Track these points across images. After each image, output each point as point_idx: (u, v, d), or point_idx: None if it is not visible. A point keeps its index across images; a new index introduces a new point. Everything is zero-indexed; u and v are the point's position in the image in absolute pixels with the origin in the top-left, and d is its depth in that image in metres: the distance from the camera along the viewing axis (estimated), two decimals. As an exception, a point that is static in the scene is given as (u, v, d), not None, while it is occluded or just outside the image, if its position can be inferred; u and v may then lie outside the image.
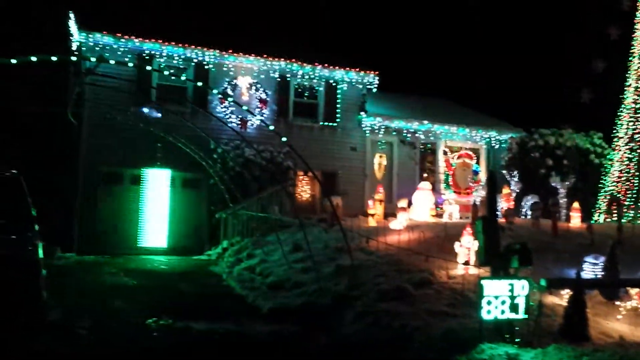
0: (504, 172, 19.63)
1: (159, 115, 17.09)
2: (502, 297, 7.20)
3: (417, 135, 21.13)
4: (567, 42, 25.22)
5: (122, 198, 17.76)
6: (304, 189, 19.80)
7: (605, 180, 18.29)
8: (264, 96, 19.26)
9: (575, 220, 14.86)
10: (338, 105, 20.32)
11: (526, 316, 7.29)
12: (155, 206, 18.00)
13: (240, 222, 16.68)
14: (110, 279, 12.75)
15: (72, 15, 16.86)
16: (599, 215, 17.76)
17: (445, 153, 21.28)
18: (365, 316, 8.51)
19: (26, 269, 7.09)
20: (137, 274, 13.48)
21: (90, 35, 17.32)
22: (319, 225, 14.96)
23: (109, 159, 17.24)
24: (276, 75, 19.62)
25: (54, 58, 9.17)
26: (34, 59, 8.61)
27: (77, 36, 17.26)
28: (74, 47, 17.72)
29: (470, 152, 21.42)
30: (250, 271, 13.16)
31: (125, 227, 17.59)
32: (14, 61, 8.48)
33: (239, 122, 18.67)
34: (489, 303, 7.16)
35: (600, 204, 17.93)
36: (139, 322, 8.85)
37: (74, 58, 16.56)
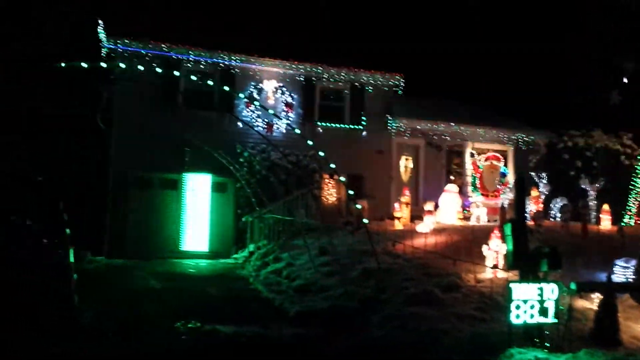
0: (532, 174, 19.40)
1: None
2: (531, 301, 7.12)
3: (443, 137, 20.99)
4: (595, 42, 24.80)
5: (150, 202, 17.95)
6: (330, 192, 19.77)
7: (635, 181, 17.96)
8: (289, 100, 19.33)
9: (606, 223, 14.65)
10: (364, 108, 20.30)
11: (556, 320, 7.20)
12: (183, 210, 18.17)
13: (267, 226, 16.75)
14: (140, 283, 12.91)
15: (101, 23, 17.16)
16: (629, 218, 17.45)
17: (472, 155, 21.08)
18: (392, 320, 8.48)
19: (58, 274, 7.20)
20: (165, 277, 13.63)
21: (119, 42, 17.60)
22: (345, 228, 14.97)
23: (137, 163, 17.46)
24: (302, 78, 19.68)
25: (84, 65, 9.34)
26: (62, 65, 8.78)
27: (106, 43, 17.55)
28: (103, 53, 18.01)
29: (498, 154, 21.21)
30: (276, 274, 13.21)
31: (154, 231, 17.76)
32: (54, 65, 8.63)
33: (265, 126, 18.77)
34: (517, 307, 7.09)
35: (631, 206, 17.61)
36: (168, 325, 8.94)
37: (103, 64, 16.83)
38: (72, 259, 7.45)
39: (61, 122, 17.55)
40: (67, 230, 7.61)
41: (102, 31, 17.23)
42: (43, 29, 21.69)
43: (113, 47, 17.61)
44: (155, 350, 7.76)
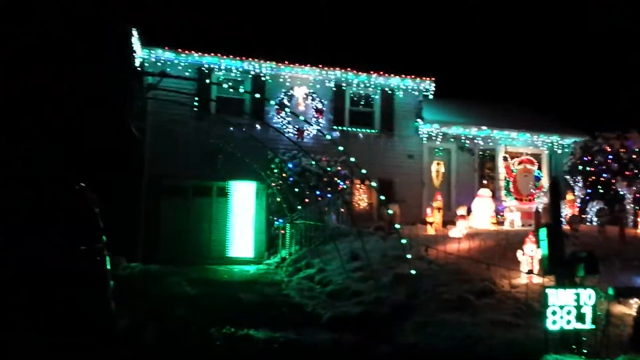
0: (568, 177, 19.10)
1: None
2: (567, 307, 7.01)
3: (475, 141, 20.80)
4: (630, 43, 24.35)
5: (183, 208, 18.19)
6: (361, 198, 19.77)
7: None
8: (319, 105, 19.40)
9: (644, 227, 14.31)
10: (394, 113, 20.24)
11: (593, 326, 7.07)
12: (216, 216, 18.37)
13: (298, 231, 16.81)
14: (174, 289, 13.07)
15: (135, 32, 17.48)
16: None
17: (505, 159, 20.83)
18: (426, 326, 8.43)
19: (95, 281, 7.31)
20: (199, 283, 13.78)
21: (152, 51, 17.91)
22: (377, 233, 14.93)
23: (170, 170, 17.72)
24: (332, 84, 19.73)
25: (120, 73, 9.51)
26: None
27: (139, 52, 17.88)
28: (137, 62, 18.33)
29: (532, 158, 20.92)
30: (309, 280, 13.26)
31: (187, 238, 17.99)
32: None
33: (296, 132, 18.87)
34: (554, 313, 6.99)
35: (670, 209, 17.16)
36: (202, 330, 9.04)
37: (143, 78, 17.13)
38: (108, 266, 7.58)
39: (97, 130, 17.91)
40: (104, 238, 7.75)
41: (138, 40, 17.54)
42: (79, 39, 22.17)
43: (147, 56, 17.92)
44: (191, 357, 7.85)
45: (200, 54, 18.32)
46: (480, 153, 21.02)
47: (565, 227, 12.46)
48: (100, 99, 14.56)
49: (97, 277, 7.35)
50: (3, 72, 17.16)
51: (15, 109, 10.96)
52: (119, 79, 13.39)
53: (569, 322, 6.99)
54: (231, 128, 17.41)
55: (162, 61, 18.02)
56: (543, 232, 7.53)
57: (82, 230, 7.78)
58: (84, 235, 7.70)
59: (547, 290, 7.09)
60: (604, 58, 26.45)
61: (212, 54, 18.46)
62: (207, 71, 18.50)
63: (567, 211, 14.94)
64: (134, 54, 18.17)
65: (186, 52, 18.20)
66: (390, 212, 12.94)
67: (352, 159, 12.01)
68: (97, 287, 7.28)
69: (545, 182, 20.49)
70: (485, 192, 17.00)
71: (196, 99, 17.35)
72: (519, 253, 10.17)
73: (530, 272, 9.80)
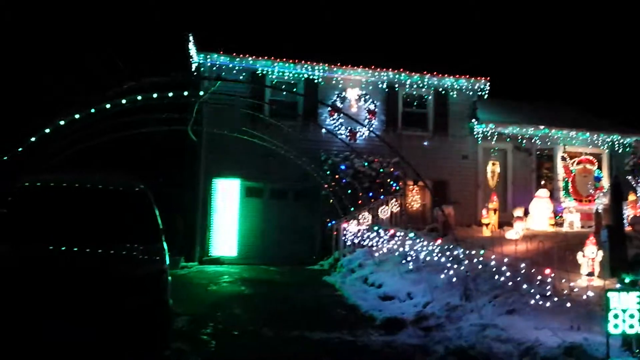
0: (629, 177, 18.46)
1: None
2: (630, 310, 6.79)
3: (533, 141, 20.35)
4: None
5: (237, 209, 18.48)
6: (414, 199, 19.64)
7: None
8: (372, 107, 19.37)
9: None
10: (448, 113, 20.03)
11: (658, 331, 6.82)
12: (271, 218, 18.58)
13: (351, 233, 16.81)
14: (229, 288, 13.31)
15: (191, 38, 17.88)
16: None
17: (563, 159, 20.30)
18: (482, 329, 8.30)
19: (154, 280, 7.49)
20: (253, 283, 13.98)
21: (208, 56, 18.28)
22: (431, 234, 14.79)
23: (225, 172, 18.05)
24: (384, 85, 19.67)
25: (185, 93, 9.87)
26: (170, 94, 9.31)
27: (196, 57, 18.28)
28: (193, 67, 18.76)
29: (591, 158, 20.31)
30: (362, 281, 13.26)
31: (243, 238, 18.27)
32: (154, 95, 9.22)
33: (348, 134, 18.90)
34: (616, 317, 6.79)
35: None
36: (257, 330, 9.17)
37: (199, 82, 17.49)
38: (167, 265, 7.77)
39: (156, 137, 18.45)
40: (163, 237, 7.96)
41: (194, 46, 17.94)
42: (137, 47, 22.88)
43: (203, 61, 18.30)
44: (246, 355, 7.98)
45: (254, 57, 18.57)
46: (538, 153, 20.57)
47: (628, 228, 12.05)
48: (160, 104, 14.98)
49: (156, 275, 7.53)
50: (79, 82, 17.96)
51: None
52: (178, 85, 13.74)
53: (631, 326, 6.78)
54: (284, 129, 17.57)
55: (217, 65, 18.37)
56: (604, 234, 7.34)
57: (142, 231, 8.00)
58: (144, 236, 7.92)
59: (609, 294, 6.89)
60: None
61: (266, 58, 18.68)
62: (260, 75, 18.75)
63: (628, 212, 14.45)
64: (191, 59, 18.61)
65: (240, 56, 18.48)
66: (444, 213, 12.81)
67: (405, 160, 11.93)
68: (155, 285, 7.46)
69: (605, 182, 19.86)
70: (543, 193, 16.64)
71: (250, 101, 17.60)
72: (579, 255, 9.90)
73: (590, 274, 9.53)
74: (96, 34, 23.21)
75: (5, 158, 10.41)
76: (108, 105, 12.10)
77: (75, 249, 7.22)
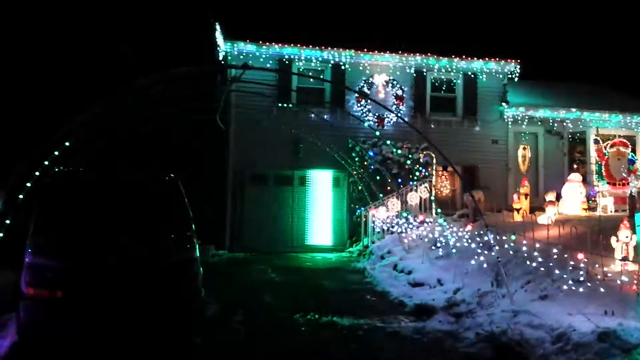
0: (665, 160, 18.00)
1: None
2: (667, 297, 6.65)
3: (564, 124, 19.98)
4: None
5: (266, 198, 18.58)
6: (444, 184, 19.50)
7: None
8: (400, 92, 19.21)
9: None
10: (477, 97, 19.77)
11: (696, 317, 6.67)
12: (300, 205, 18.65)
13: (380, 219, 16.78)
14: (259, 276, 13.43)
15: (218, 27, 17.92)
16: None
17: (596, 142, 19.82)
18: (514, 315, 8.23)
19: (185, 268, 7.59)
20: (283, 270, 14.07)
21: (234, 45, 18.30)
22: (461, 220, 14.66)
23: (253, 160, 18.13)
24: (412, 70, 19.48)
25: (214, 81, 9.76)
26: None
27: (222, 46, 18.32)
28: (220, 56, 18.81)
29: (625, 140, 19.84)
30: (392, 268, 13.25)
31: (270, 226, 18.38)
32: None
33: (376, 120, 18.80)
34: (651, 302, 6.65)
35: None
36: (287, 316, 9.24)
37: (226, 71, 17.54)
38: (198, 254, 7.87)
39: (185, 126, 18.61)
40: (193, 226, 8.05)
41: (221, 34, 17.98)
42: (164, 37, 23.05)
43: (230, 50, 18.34)
44: (277, 341, 8.05)
45: (280, 45, 18.54)
46: (570, 136, 20.20)
47: (664, 212, 11.76)
48: (190, 94, 15.08)
49: (187, 264, 7.63)
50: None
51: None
52: (206, 74, 13.82)
53: (668, 312, 6.64)
54: (312, 117, 17.56)
55: (244, 54, 18.37)
56: (639, 218, 7.17)
57: (173, 220, 8.11)
58: (174, 225, 8.02)
59: (644, 279, 6.76)
60: None
61: (292, 45, 18.63)
62: (287, 62, 18.73)
63: (665, 195, 14.11)
64: (218, 48, 18.66)
65: (267, 44, 18.46)
66: (474, 198, 12.67)
67: (434, 146, 11.81)
68: (187, 274, 7.56)
69: (639, 165, 19.40)
70: (575, 177, 16.31)
71: (277, 89, 17.61)
72: (612, 239, 9.71)
73: (625, 259, 9.35)
74: (124, 25, 23.44)
75: (47, 163, 10.60)
76: (135, 96, 12.19)
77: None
